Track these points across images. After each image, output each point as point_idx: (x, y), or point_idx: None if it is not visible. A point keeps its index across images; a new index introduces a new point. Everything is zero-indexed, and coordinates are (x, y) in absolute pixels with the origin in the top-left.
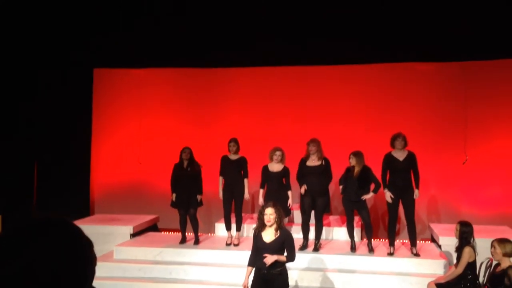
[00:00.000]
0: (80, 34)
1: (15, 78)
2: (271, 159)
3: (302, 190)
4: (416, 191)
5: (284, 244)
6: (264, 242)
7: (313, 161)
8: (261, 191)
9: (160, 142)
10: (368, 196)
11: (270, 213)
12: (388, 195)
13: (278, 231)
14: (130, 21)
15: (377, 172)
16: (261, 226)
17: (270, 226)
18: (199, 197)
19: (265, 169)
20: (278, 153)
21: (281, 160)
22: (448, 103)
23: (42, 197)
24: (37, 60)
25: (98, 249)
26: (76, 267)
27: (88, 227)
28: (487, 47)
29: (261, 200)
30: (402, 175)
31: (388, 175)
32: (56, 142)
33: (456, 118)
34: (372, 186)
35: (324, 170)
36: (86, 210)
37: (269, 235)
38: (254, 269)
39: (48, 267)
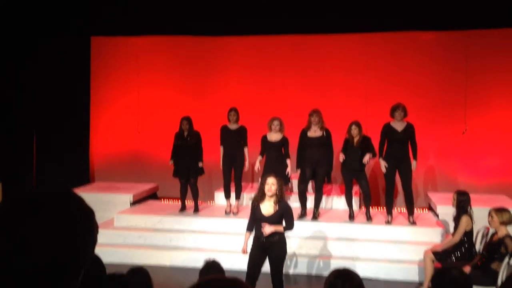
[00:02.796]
0: (77, 1)
1: (12, 46)
2: (270, 129)
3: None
4: (414, 163)
5: (283, 216)
6: (263, 215)
7: (314, 132)
8: (259, 157)
9: (159, 111)
10: (367, 158)
11: (272, 183)
12: (383, 165)
13: (277, 205)
14: None
15: (376, 141)
16: (260, 197)
17: (270, 197)
18: (200, 163)
19: (264, 138)
20: (276, 122)
21: (280, 130)
22: (449, 72)
23: (42, 165)
24: (34, 28)
25: (98, 216)
26: (76, 237)
27: (89, 194)
28: (490, 16)
29: (257, 166)
30: (399, 145)
31: (386, 145)
32: (55, 111)
33: (456, 87)
34: None
35: (325, 141)
36: (86, 178)
37: (268, 208)
38: (252, 235)
39: (47, 239)
